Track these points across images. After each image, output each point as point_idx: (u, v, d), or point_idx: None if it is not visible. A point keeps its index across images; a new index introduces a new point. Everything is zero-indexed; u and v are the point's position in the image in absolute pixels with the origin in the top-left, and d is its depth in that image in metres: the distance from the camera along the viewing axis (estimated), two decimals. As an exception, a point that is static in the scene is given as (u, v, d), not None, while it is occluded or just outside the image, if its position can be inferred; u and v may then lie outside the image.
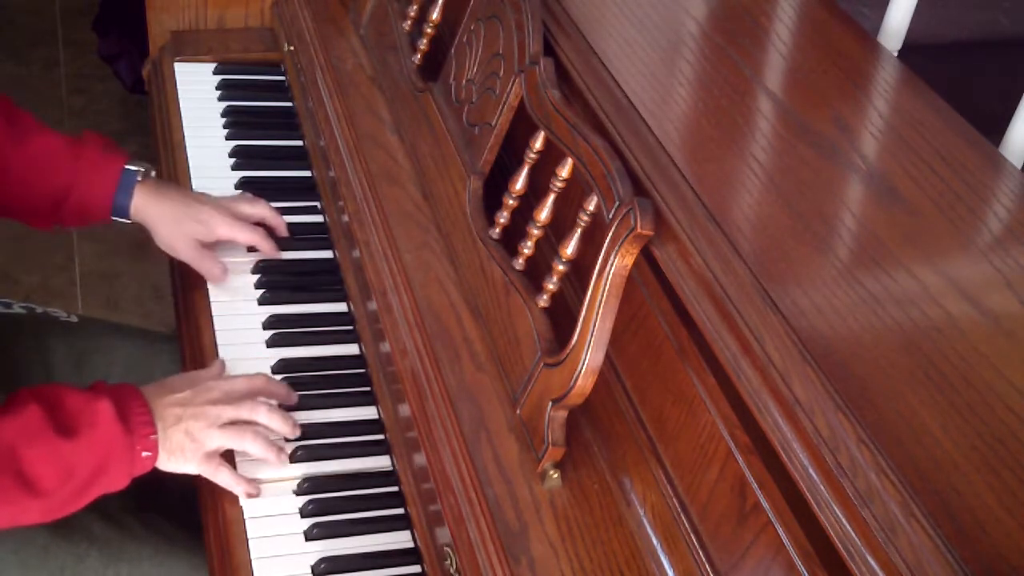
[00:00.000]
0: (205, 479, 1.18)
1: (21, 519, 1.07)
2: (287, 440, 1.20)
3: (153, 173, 1.38)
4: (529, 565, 0.95)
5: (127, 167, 1.34)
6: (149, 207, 1.35)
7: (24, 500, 1.04)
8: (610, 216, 0.96)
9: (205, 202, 1.38)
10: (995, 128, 1.21)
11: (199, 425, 1.12)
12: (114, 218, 1.36)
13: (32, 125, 1.33)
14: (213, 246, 1.38)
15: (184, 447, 1.12)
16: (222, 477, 1.14)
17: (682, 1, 1.26)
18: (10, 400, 1.07)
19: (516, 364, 1.07)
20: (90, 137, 1.36)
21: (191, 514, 1.23)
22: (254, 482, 1.15)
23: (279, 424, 1.17)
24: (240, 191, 1.46)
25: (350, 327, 1.35)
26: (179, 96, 1.67)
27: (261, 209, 1.41)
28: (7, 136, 1.29)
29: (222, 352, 1.29)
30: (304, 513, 1.15)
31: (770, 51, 1.18)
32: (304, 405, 1.24)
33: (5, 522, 1.06)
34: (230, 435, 1.14)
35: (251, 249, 1.42)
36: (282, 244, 1.44)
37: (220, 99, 1.67)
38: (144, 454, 1.09)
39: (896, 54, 1.30)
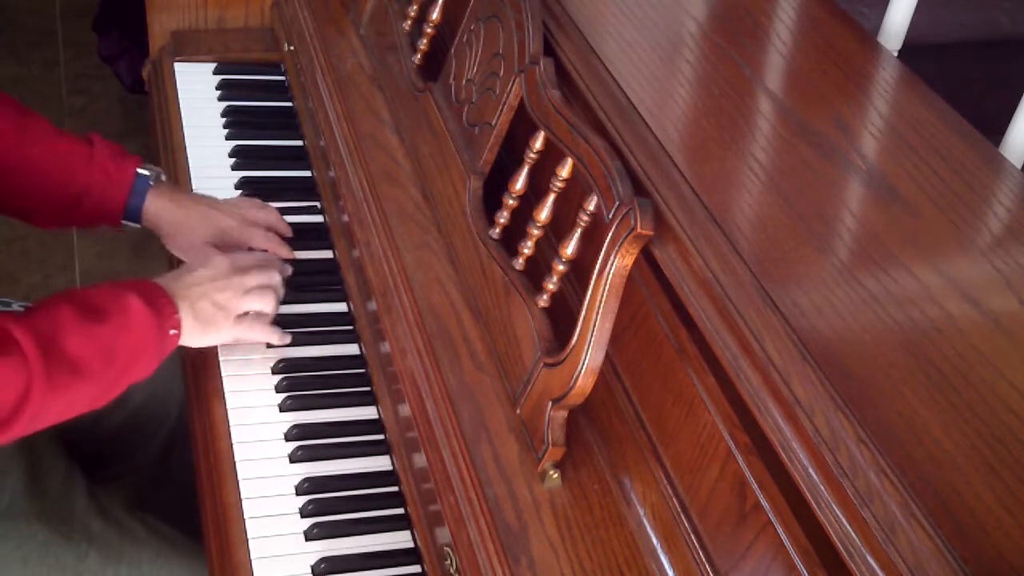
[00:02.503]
0: (205, 479, 1.18)
1: (75, 408, 1.11)
2: (286, 439, 1.21)
3: (164, 177, 1.38)
4: (529, 565, 0.95)
5: (140, 171, 1.35)
6: (163, 213, 1.35)
7: (77, 387, 1.08)
8: (610, 216, 0.96)
9: (218, 207, 1.38)
10: (995, 128, 1.21)
11: (225, 295, 1.21)
12: (124, 222, 1.36)
13: (45, 128, 1.32)
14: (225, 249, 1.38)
15: (215, 317, 1.20)
16: (257, 332, 1.25)
17: (682, 1, 1.26)
18: (39, 305, 1.11)
19: (516, 364, 1.07)
20: (100, 140, 1.36)
21: (191, 516, 1.23)
22: (279, 331, 1.27)
23: (283, 277, 1.29)
24: (247, 194, 1.46)
25: (350, 327, 1.35)
26: (179, 96, 1.67)
27: (270, 215, 1.42)
28: (17, 138, 1.29)
29: (222, 352, 1.29)
30: (304, 513, 1.15)
31: (770, 51, 1.18)
32: (304, 405, 1.25)
33: (62, 413, 1.10)
34: (253, 298, 1.23)
35: (251, 249, 1.42)
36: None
37: (220, 99, 1.67)
38: (171, 332, 1.16)
39: (896, 54, 1.30)
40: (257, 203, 1.43)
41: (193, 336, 1.19)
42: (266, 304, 1.25)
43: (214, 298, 1.20)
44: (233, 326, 1.22)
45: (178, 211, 1.36)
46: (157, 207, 1.35)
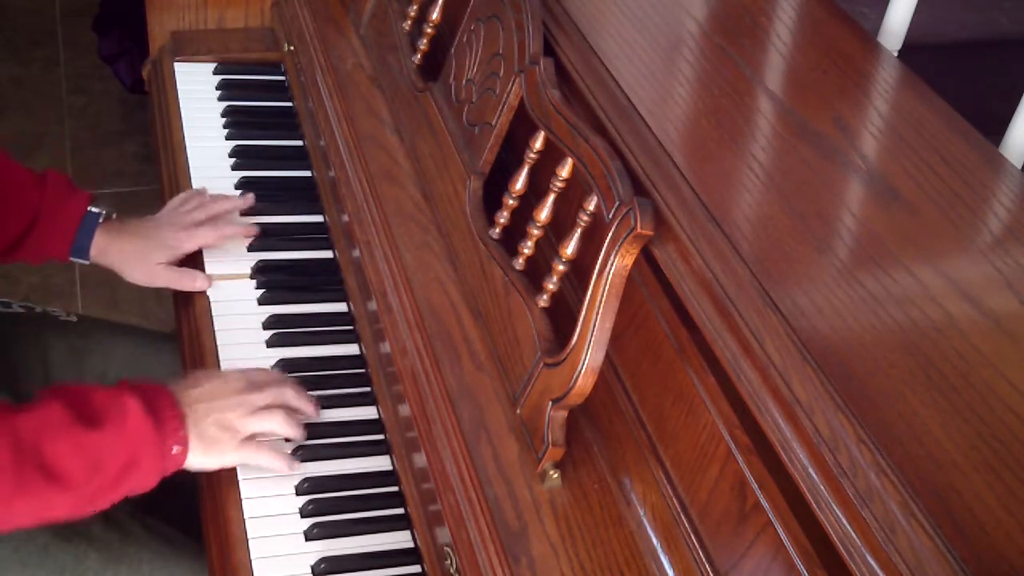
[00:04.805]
0: (205, 479, 1.18)
1: (49, 514, 1.05)
2: (288, 440, 1.20)
3: (114, 215, 1.39)
4: (529, 565, 0.95)
5: (90, 209, 1.36)
6: (111, 249, 1.36)
7: (50, 493, 1.02)
8: (610, 216, 0.96)
9: (160, 225, 1.39)
10: (995, 128, 1.21)
11: (231, 415, 1.12)
12: (72, 258, 1.37)
13: None
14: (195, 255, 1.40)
15: (220, 439, 1.11)
16: (264, 458, 1.15)
17: (682, 1, 1.26)
18: (37, 396, 1.06)
19: (516, 364, 1.07)
20: (53, 175, 1.36)
21: (191, 518, 1.23)
22: (288, 458, 1.17)
23: (305, 404, 1.20)
24: (190, 192, 1.47)
25: (350, 327, 1.34)
26: (179, 96, 1.67)
27: (207, 208, 1.42)
28: None
29: (222, 352, 1.29)
30: (304, 513, 1.15)
31: (770, 51, 1.18)
32: (304, 405, 1.25)
33: (31, 518, 1.05)
34: (262, 418, 1.14)
35: (251, 248, 1.42)
36: (282, 244, 1.44)
37: (220, 99, 1.67)
38: (175, 449, 1.08)
39: (896, 54, 1.30)
40: (192, 202, 1.43)
41: (196, 457, 1.11)
42: (276, 425, 1.15)
43: (219, 417, 1.12)
44: (238, 448, 1.13)
45: (124, 246, 1.36)
46: (104, 244, 1.36)
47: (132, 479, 1.07)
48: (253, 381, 1.17)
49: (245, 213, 1.47)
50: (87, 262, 1.38)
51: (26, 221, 1.33)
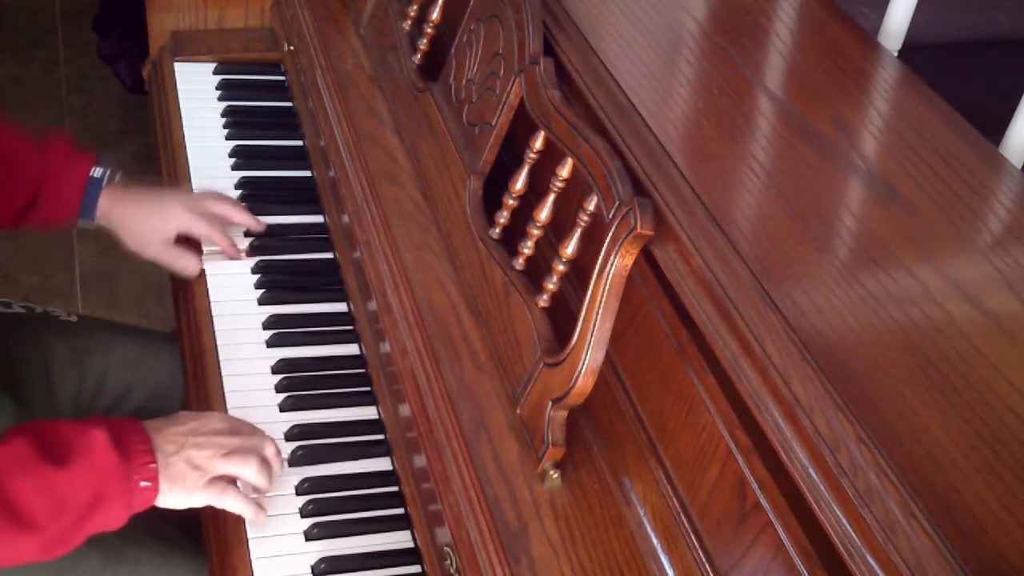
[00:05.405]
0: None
1: (15, 557, 1.02)
2: (286, 439, 1.20)
3: (119, 174, 1.38)
4: (529, 565, 0.95)
5: (93, 174, 1.35)
6: (114, 210, 1.36)
7: (16, 535, 0.99)
8: (610, 216, 0.96)
9: (169, 197, 1.39)
10: (995, 128, 1.21)
11: (202, 454, 1.08)
12: (80, 218, 1.36)
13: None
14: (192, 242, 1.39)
15: (186, 476, 1.07)
16: (228, 501, 1.10)
17: (682, 1, 1.26)
18: (4, 434, 1.03)
19: (516, 364, 1.07)
20: (57, 138, 1.36)
21: (191, 518, 1.23)
22: (259, 503, 1.12)
23: (278, 463, 1.15)
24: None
25: (350, 327, 1.34)
26: (179, 96, 1.67)
27: (222, 206, 1.41)
28: None
29: (222, 352, 1.29)
30: (304, 513, 1.15)
31: (770, 51, 1.18)
32: (304, 405, 1.24)
33: (1, 559, 1.01)
34: (233, 462, 1.09)
35: (252, 251, 1.42)
36: (282, 244, 1.44)
37: (220, 99, 1.67)
38: (143, 484, 1.04)
39: (896, 54, 1.30)
40: (215, 194, 1.43)
41: (163, 494, 1.06)
42: (246, 469, 1.09)
43: (189, 454, 1.06)
44: (204, 489, 1.07)
45: (127, 208, 1.36)
46: (108, 205, 1.35)
47: (99, 518, 1.03)
48: (234, 426, 1.12)
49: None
50: (93, 224, 1.37)
51: (29, 194, 1.32)
